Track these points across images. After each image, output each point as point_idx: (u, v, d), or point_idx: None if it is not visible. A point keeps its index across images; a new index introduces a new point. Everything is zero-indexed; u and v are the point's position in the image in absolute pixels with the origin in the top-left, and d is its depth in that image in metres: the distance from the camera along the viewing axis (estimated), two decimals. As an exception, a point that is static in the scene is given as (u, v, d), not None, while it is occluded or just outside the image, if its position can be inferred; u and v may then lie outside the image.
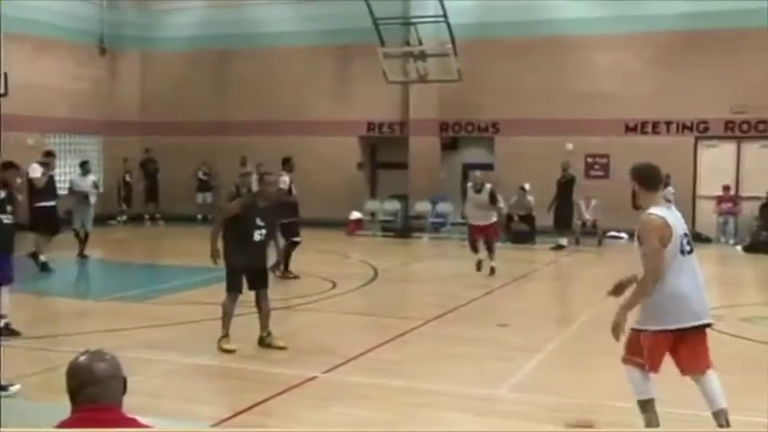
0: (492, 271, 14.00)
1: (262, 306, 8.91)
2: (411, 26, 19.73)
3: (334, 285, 12.59)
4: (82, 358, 2.91)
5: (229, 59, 23.90)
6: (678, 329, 5.42)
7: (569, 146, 20.69)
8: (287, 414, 6.61)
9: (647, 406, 5.60)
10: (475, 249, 14.35)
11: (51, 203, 14.23)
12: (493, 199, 14.28)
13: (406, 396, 7.10)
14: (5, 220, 9.07)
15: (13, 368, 7.88)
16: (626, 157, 19.99)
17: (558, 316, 11.21)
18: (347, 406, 6.94)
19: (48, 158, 14.60)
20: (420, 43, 19.28)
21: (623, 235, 19.38)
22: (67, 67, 22.68)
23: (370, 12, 18.52)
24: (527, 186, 19.74)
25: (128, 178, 23.83)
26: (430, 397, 7.13)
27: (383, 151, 23.67)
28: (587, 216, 19.56)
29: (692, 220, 20.09)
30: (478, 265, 14.02)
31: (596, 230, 19.22)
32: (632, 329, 5.55)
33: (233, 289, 8.70)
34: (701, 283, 5.53)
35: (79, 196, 16.14)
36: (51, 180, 14.33)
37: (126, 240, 20.76)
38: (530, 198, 19.67)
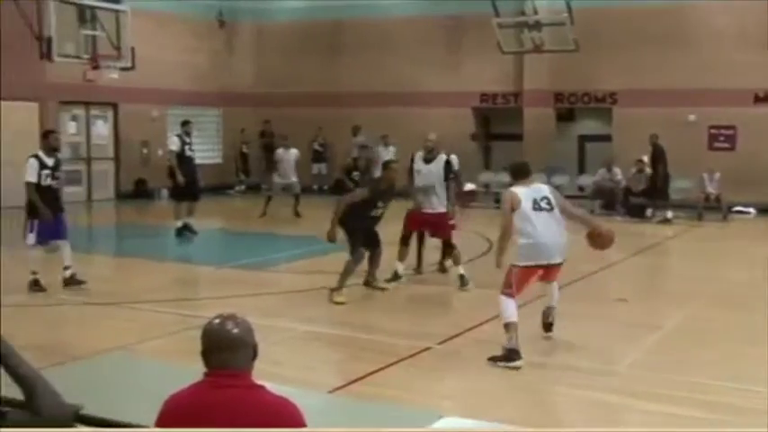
0: (462, 282, 10.40)
1: (374, 261, 10.01)
2: (526, -5, 19.38)
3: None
4: (216, 322, 2.97)
5: (341, 30, 23.97)
6: (537, 265, 7.30)
7: (691, 117, 19.96)
8: (401, 384, 6.64)
9: (511, 327, 7.06)
10: (406, 246, 10.67)
11: (191, 171, 14.75)
12: (449, 172, 10.57)
13: (520, 369, 7.04)
14: (54, 186, 10.02)
15: (137, 330, 8.22)
16: (756, 128, 19.24)
17: (678, 292, 10.88)
18: (461, 378, 6.94)
19: (186, 127, 14.99)
20: (535, 13, 18.91)
21: (750, 210, 18.63)
22: (188, 41, 23.24)
23: (486, -19, 18.27)
24: (646, 159, 19.16)
25: (245, 149, 24.32)
26: (544, 370, 7.07)
27: (497, 122, 23.41)
28: (710, 190, 18.85)
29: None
30: (395, 276, 10.57)
31: (720, 205, 18.51)
32: (510, 265, 7.30)
33: (357, 251, 9.61)
34: (556, 235, 7.29)
35: (281, 167, 17.72)
36: (189, 148, 14.83)
37: (244, 210, 21.25)
38: (649, 171, 19.08)
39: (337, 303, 9.38)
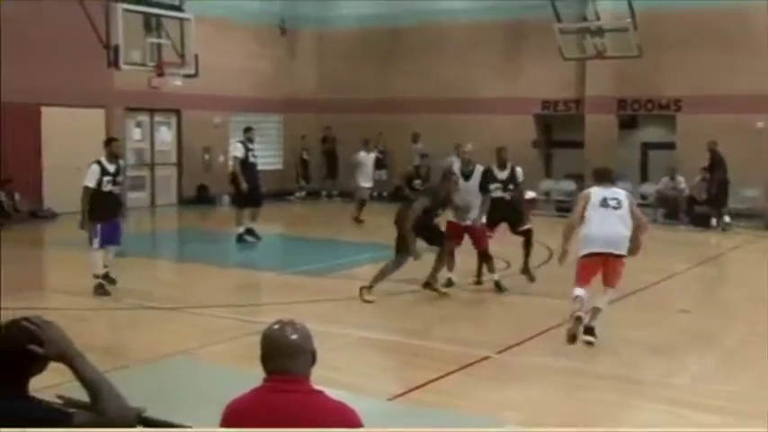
0: (499, 288, 10.63)
1: (440, 260, 10.18)
2: (588, 0, 19.17)
3: (509, 265, 12.45)
4: (276, 327, 3.01)
5: (400, 36, 23.97)
6: (594, 253, 7.82)
7: (759, 124, 19.50)
8: (461, 393, 6.62)
9: (576, 299, 7.72)
10: (451, 256, 10.64)
11: (254, 178, 14.93)
12: (486, 184, 10.56)
13: (579, 379, 7.00)
14: (115, 191, 10.34)
15: (199, 335, 8.33)
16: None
17: (743, 304, 10.64)
18: (521, 387, 6.89)
19: (249, 134, 15.13)
20: (598, 18, 18.71)
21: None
22: (250, 48, 23.50)
23: (547, -14, 18.13)
24: (710, 166, 18.77)
25: (305, 155, 24.50)
26: (603, 380, 6.99)
27: (558, 129, 23.20)
28: (781, 199, 18.39)
29: None
30: (449, 282, 10.63)
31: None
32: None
33: (402, 256, 9.87)
34: (617, 228, 7.82)
35: (363, 170, 17.97)
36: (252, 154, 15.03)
37: (304, 215, 21.42)
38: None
39: (366, 302, 9.70)
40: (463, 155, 10.85)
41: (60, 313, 8.14)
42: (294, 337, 2.97)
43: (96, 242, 10.16)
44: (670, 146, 20.94)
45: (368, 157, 18.29)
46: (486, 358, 7.54)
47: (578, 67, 21.28)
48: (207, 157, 22.69)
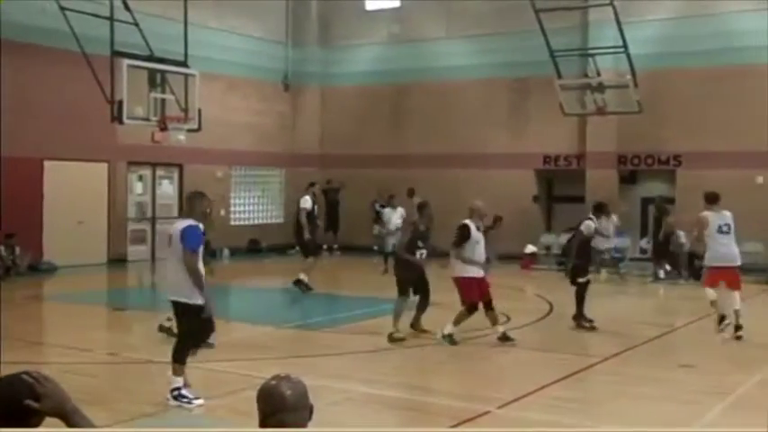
0: (506, 338, 10.51)
1: (421, 307, 10.99)
2: (589, 57, 19.39)
3: (508, 319, 12.41)
4: (272, 383, 2.98)
5: (405, 93, 24.24)
6: (719, 266, 10.93)
7: (759, 179, 19.59)
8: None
9: (713, 303, 11.15)
10: (470, 314, 10.52)
11: (316, 229, 15.72)
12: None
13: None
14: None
15: (197, 389, 8.25)
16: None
17: (747, 358, 10.56)
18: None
19: (314, 188, 16.14)
20: (598, 75, 18.89)
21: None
22: (254, 104, 23.74)
23: (548, 44, 18.31)
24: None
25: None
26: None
27: (559, 184, 23.28)
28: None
29: None
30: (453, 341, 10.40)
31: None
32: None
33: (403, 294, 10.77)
34: (732, 247, 10.97)
35: (389, 227, 18.03)
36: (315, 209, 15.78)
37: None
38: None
39: (397, 340, 10.36)
40: (481, 210, 10.87)
41: (57, 367, 8.09)
42: (290, 392, 2.94)
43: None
44: (670, 201, 20.98)
45: (394, 213, 18.24)
46: (485, 413, 7.46)
47: (580, 122, 21.45)
48: (208, 210, 22.64)
